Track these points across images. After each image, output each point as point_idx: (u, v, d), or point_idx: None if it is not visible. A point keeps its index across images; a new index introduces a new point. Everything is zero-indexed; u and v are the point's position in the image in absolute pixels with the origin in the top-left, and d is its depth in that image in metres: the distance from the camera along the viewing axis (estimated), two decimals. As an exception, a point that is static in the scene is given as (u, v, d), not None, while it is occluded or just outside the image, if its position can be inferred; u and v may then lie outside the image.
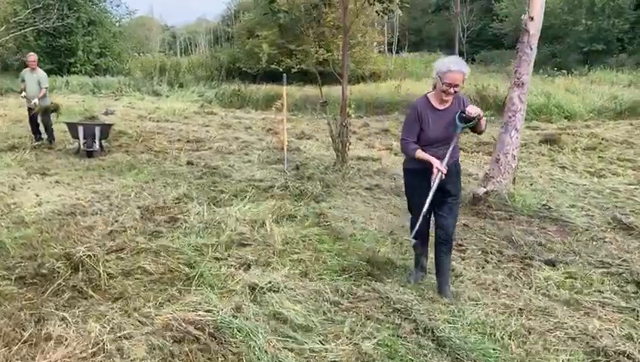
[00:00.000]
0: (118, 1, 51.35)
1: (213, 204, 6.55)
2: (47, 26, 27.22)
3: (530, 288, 4.37)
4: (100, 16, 34.76)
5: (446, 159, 3.99)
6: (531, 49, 6.65)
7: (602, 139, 12.03)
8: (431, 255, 4.46)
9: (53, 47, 30.88)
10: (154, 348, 3.33)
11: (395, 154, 10.83)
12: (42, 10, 27.44)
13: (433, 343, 3.49)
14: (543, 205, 6.52)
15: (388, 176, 8.60)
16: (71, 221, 5.83)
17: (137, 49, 43.59)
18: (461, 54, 37.61)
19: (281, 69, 26.38)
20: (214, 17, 66.57)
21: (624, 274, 4.61)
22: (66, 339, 3.38)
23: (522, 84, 6.65)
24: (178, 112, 17.87)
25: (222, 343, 3.40)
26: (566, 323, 3.74)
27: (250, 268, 4.64)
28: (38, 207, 6.39)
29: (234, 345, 3.37)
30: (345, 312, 3.87)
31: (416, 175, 4.16)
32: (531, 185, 7.85)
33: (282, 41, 28.51)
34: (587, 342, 3.51)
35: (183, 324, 3.56)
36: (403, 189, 7.47)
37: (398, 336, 3.55)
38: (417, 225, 4.08)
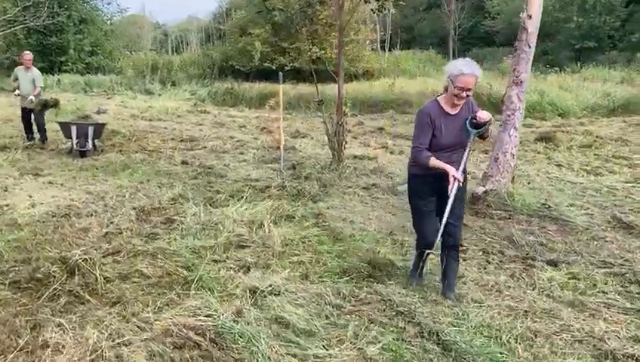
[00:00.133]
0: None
1: (210, 205, 6.47)
2: (38, 24, 26.95)
3: (533, 289, 4.33)
4: (91, 14, 34.51)
5: (461, 166, 3.90)
6: (530, 47, 6.60)
7: (597, 136, 12.04)
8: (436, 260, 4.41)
9: (44, 46, 30.60)
10: (154, 355, 3.25)
11: (391, 152, 10.80)
12: (32, 7, 27.14)
13: (438, 347, 3.43)
14: (543, 204, 6.48)
15: (384, 175, 8.55)
16: (65, 223, 5.72)
17: (129, 47, 43.35)
18: (453, 52, 37.71)
19: (274, 67, 26.35)
20: (206, 15, 66.32)
21: (627, 275, 4.58)
22: (64, 346, 3.29)
23: (521, 82, 6.61)
24: (171, 111, 17.75)
25: (223, 349, 3.33)
26: (572, 326, 3.69)
27: (249, 270, 4.56)
28: (31, 209, 6.27)
29: (236, 351, 3.29)
30: (348, 316, 3.81)
31: (425, 181, 4.01)
32: (529, 183, 7.82)
33: (275, 39, 28.39)
34: (594, 345, 3.47)
35: (184, 330, 3.48)
36: (399, 188, 7.59)
37: (402, 340, 3.49)
38: (435, 235, 4.00)
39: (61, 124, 10.29)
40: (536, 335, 3.56)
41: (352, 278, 4.43)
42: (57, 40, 30.99)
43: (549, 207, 6.41)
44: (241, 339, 3.40)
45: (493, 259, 4.96)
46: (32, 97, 10.47)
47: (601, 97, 17.52)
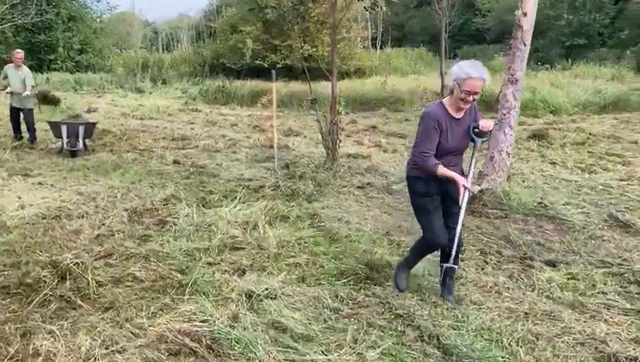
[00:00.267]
0: (98, -3, 50.68)
1: (203, 206, 6.38)
2: (26, 21, 26.65)
3: (532, 290, 4.27)
4: (80, 11, 34.22)
5: (470, 175, 3.81)
6: (525, 45, 6.55)
7: (590, 133, 12.05)
8: (432, 258, 4.35)
9: (32, 44, 30.30)
10: (149, 362, 3.18)
11: (385, 151, 10.74)
12: (20, 5, 26.82)
13: (439, 351, 3.38)
14: (539, 203, 6.44)
15: (379, 173, 8.48)
16: (56, 225, 5.61)
17: (119, 45, 43.04)
18: (445, 50, 37.67)
19: (266, 65, 26.16)
20: (196, 13, 65.96)
21: (626, 275, 4.54)
22: (55, 355, 3.20)
23: (516, 80, 6.56)
24: (162, 109, 17.59)
25: (220, 356, 3.26)
26: (573, 328, 3.65)
27: (244, 273, 4.48)
28: (20, 211, 6.16)
29: (233, 358, 3.23)
30: (346, 319, 3.74)
31: (428, 183, 3.85)
32: (524, 181, 7.80)
33: (266, 37, 28.27)
34: (596, 348, 3.42)
35: (179, 336, 3.40)
36: (394, 187, 7.54)
37: (402, 344, 3.43)
38: (445, 234, 3.89)
39: (51, 123, 10.15)
40: (537, 338, 3.51)
41: (350, 280, 4.37)
42: (46, 38, 30.70)
43: (545, 205, 6.37)
44: (237, 345, 3.33)
45: (491, 260, 4.90)
46: (27, 92, 10.31)
47: (592, 94, 17.55)
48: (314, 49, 23.52)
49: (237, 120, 15.74)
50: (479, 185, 6.56)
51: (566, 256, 5.00)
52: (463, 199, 3.72)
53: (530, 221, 5.97)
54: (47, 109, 12.65)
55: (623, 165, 8.98)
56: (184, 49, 44.91)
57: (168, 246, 5.01)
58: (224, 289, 4.14)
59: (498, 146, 6.61)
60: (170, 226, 5.61)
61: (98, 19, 37.90)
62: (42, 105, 10.59)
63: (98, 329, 3.53)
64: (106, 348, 3.31)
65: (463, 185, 3.66)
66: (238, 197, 6.59)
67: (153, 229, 5.55)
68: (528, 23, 6.54)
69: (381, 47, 39.45)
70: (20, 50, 10.86)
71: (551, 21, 32.76)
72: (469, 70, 3.57)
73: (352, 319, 3.74)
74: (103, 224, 5.68)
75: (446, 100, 3.81)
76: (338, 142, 8.90)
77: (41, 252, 4.70)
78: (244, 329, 3.53)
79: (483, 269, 4.72)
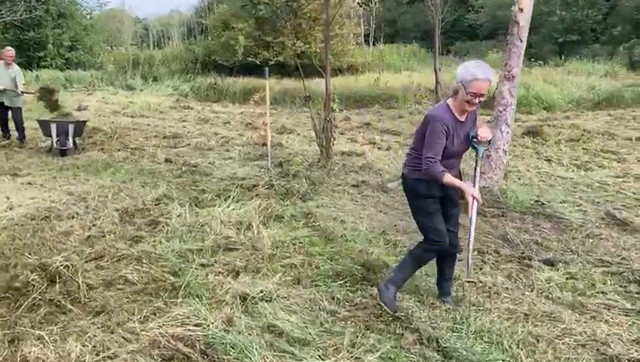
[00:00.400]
0: (88, -7, 50.23)
1: (196, 205, 6.27)
2: (15, 18, 26.34)
3: (532, 290, 4.21)
4: (70, 8, 33.88)
5: (477, 184, 3.70)
6: (521, 41, 6.49)
7: (584, 130, 12.03)
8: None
9: (21, 41, 29.93)
10: (141, 369, 3.09)
11: (379, 148, 10.66)
12: (9, 2, 26.51)
13: (439, 354, 3.31)
14: (536, 201, 6.39)
15: (373, 171, 8.40)
16: (45, 226, 5.50)
17: (109, 42, 42.68)
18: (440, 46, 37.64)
19: (258, 62, 26.01)
20: (187, 9, 65.54)
21: (625, 274, 4.49)
22: (44, 362, 3.11)
23: (512, 77, 6.50)
24: (153, 107, 17.42)
25: (214, 361, 3.17)
26: (574, 329, 3.59)
27: (238, 275, 4.39)
28: (9, 211, 6.03)
29: (228, 363, 3.14)
30: (343, 322, 3.66)
31: (429, 185, 3.69)
32: (519, 179, 7.74)
33: (259, 33, 28.09)
34: (598, 349, 3.37)
35: (172, 341, 3.30)
36: (389, 185, 7.46)
37: (401, 348, 3.36)
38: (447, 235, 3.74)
39: (40, 121, 9.99)
40: (538, 340, 3.45)
41: (346, 282, 4.29)
42: (35, 35, 30.37)
43: (542, 203, 6.32)
44: (232, 350, 3.24)
45: (488, 259, 4.84)
46: (21, 89, 10.14)
47: (585, 91, 17.57)
48: (307, 46, 23.43)
49: (229, 117, 15.61)
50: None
51: (564, 255, 4.94)
52: (473, 209, 3.60)
53: (528, 219, 5.91)
54: (37, 107, 12.44)
55: (618, 162, 8.95)
56: (175, 46, 44.61)
57: (160, 247, 4.91)
58: (218, 291, 4.06)
59: (494, 144, 6.54)
60: (163, 227, 5.51)
61: (88, 16, 37.61)
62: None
63: (89, 334, 3.44)
64: (97, 354, 3.22)
65: (472, 195, 3.53)
66: (232, 197, 6.49)
67: (145, 230, 5.45)
68: (524, 19, 6.48)
69: (374, 44, 39.35)
70: (10, 48, 10.68)
71: (544, 17, 32.75)
72: (475, 71, 3.43)
73: (349, 322, 3.67)
74: (94, 225, 5.57)
75: (450, 102, 3.64)
76: (332, 139, 8.82)
77: (30, 254, 4.60)
78: (239, 333, 3.45)
79: (481, 269, 4.66)
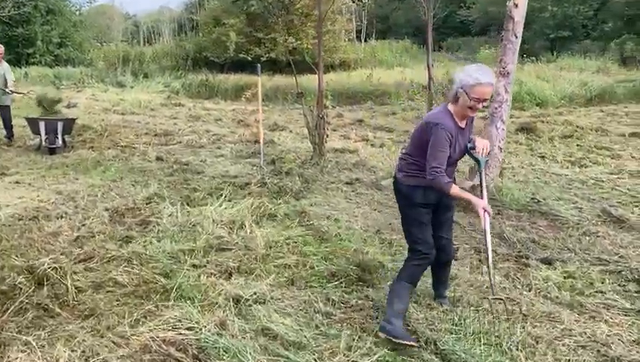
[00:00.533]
0: (77, -11, 49.74)
1: (187, 204, 6.17)
2: (3, 14, 26.02)
3: (529, 290, 4.15)
4: (59, 4, 33.46)
5: (485, 195, 3.52)
6: (516, 37, 6.43)
7: (577, 126, 11.98)
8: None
9: (9, 37, 29.53)
10: (131, 375, 3.00)
11: (372, 145, 10.58)
12: (-4, -2, 26.24)
13: (437, 357, 3.24)
14: (531, 198, 6.33)
15: (367, 168, 8.32)
16: (33, 226, 5.38)
17: (99, 39, 42.28)
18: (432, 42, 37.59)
19: (249, 58, 25.90)
20: (178, 5, 65.18)
21: (623, 272, 4.43)
22: (31, 368, 3.01)
23: (508, 73, 6.44)
24: (144, 104, 17.25)
25: (207, 366, 3.09)
26: (573, 330, 3.53)
27: (231, 276, 4.31)
28: (-4, 212, 5.91)
29: (221, 369, 3.05)
30: (339, 324, 3.59)
31: (425, 193, 3.50)
32: (514, 176, 7.69)
33: (250, 30, 27.90)
34: (598, 351, 3.31)
35: (163, 346, 3.22)
36: (383, 183, 7.38)
37: (398, 351, 3.28)
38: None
39: (28, 119, 9.84)
40: (537, 342, 3.39)
41: (341, 282, 4.22)
42: (24, 31, 29.99)
43: (538, 201, 6.26)
44: (226, 354, 3.16)
45: (485, 258, 4.76)
46: (10, 89, 9.97)
47: (578, 87, 17.54)
48: (298, 42, 23.32)
49: (221, 114, 15.47)
50: (471, 180, 6.42)
51: (561, 253, 4.89)
52: (486, 223, 3.41)
53: (524, 217, 5.86)
54: (26, 105, 12.28)
55: (613, 158, 8.92)
56: (166, 42, 44.27)
57: (151, 247, 4.81)
58: (210, 293, 3.96)
59: (490, 141, 6.46)
60: (154, 226, 5.42)
61: (77, 12, 37.15)
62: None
63: (77, 339, 3.34)
64: (86, 360, 3.14)
65: (483, 208, 3.36)
66: (224, 195, 6.39)
67: (135, 230, 5.35)
68: (519, 15, 6.41)
69: (366, 40, 39.25)
70: (0, 45, 10.50)
71: (536, 13, 32.74)
72: (478, 75, 3.25)
73: (345, 324, 3.60)
74: (83, 225, 5.46)
75: (451, 108, 3.44)
76: (325, 136, 8.73)
77: (17, 256, 4.47)
78: (233, 336, 3.37)
79: (478, 268, 4.60)
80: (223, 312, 3.66)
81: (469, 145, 3.58)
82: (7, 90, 9.91)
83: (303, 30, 24.61)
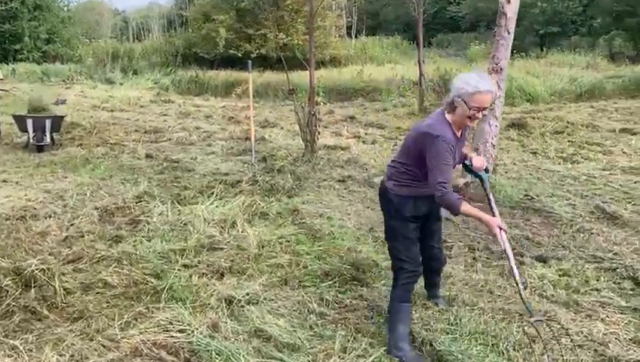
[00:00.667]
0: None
1: (178, 203, 6.09)
2: (-11, 10, 25.73)
3: (525, 288, 4.09)
4: (47, 0, 33.13)
5: (496, 212, 3.33)
6: (509, 33, 6.39)
7: (568, 122, 11.97)
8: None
9: (-4, 33, 29.33)
10: (122, 380, 2.93)
11: (364, 142, 10.53)
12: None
13: (433, 358, 3.20)
14: (525, 195, 6.30)
15: (359, 166, 8.27)
16: (21, 226, 5.29)
17: (88, 35, 41.85)
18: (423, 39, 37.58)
19: (239, 54, 25.74)
20: (167, 1, 64.60)
21: (618, 270, 4.40)
22: (18, 374, 2.94)
23: (500, 69, 6.40)
24: (133, 101, 17.12)
25: (200, 370, 3.02)
26: (570, 329, 3.49)
27: (223, 276, 4.25)
28: (-18, 211, 5.81)
29: (214, 372, 2.99)
30: (333, 325, 3.54)
31: (416, 204, 3.33)
32: (506, 173, 7.66)
33: (240, 26, 27.74)
34: (595, 350, 3.28)
35: (154, 349, 3.16)
36: (375, 180, 7.32)
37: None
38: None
39: (16, 116, 9.72)
40: (534, 341, 3.33)
41: (335, 282, 4.16)
42: (11, 27, 29.67)
43: (531, 197, 6.24)
44: (218, 357, 3.10)
45: (480, 256, 4.74)
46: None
47: (568, 82, 17.57)
48: (289, 38, 23.20)
49: (211, 111, 15.36)
50: (464, 177, 6.38)
51: (556, 250, 4.86)
52: (504, 242, 3.14)
53: (517, 214, 5.83)
54: (13, 102, 12.13)
55: (604, 154, 8.91)
56: (155, 38, 43.99)
57: (141, 247, 4.74)
58: (202, 294, 3.90)
59: (483, 137, 6.45)
60: (144, 226, 5.35)
61: (65, 8, 36.87)
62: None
63: (66, 342, 3.27)
64: (75, 365, 3.06)
65: (499, 227, 3.11)
66: (215, 193, 6.32)
67: (125, 229, 5.28)
68: (512, 11, 6.38)
69: (356, 36, 39.17)
70: None
71: (525, 9, 32.79)
72: (478, 84, 3.04)
73: (340, 325, 3.54)
74: (72, 224, 5.38)
75: (449, 118, 3.21)
76: (317, 133, 8.66)
77: (3, 257, 4.36)
78: (225, 338, 3.31)
79: (472, 266, 4.56)
80: (215, 314, 3.60)
81: (466, 162, 3.48)
82: None
83: (294, 26, 24.51)
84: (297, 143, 9.44)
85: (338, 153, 9.12)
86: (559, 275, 4.33)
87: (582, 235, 5.22)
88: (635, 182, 7.02)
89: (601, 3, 30.07)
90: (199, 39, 29.72)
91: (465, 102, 3.07)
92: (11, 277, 3.93)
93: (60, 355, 3.13)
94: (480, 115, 3.13)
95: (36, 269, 4.01)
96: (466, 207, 3.09)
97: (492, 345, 3.30)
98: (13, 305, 3.66)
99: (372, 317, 3.65)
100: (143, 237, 5.04)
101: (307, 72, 8.84)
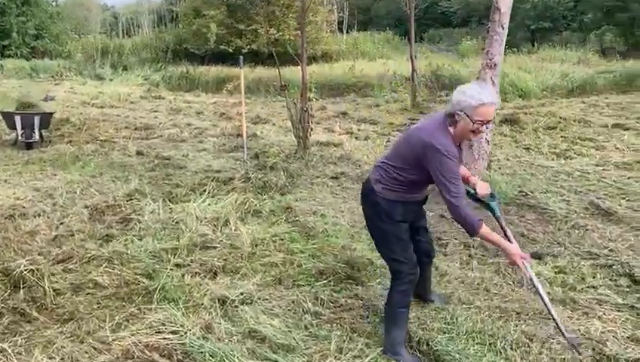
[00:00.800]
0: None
1: (169, 201, 6.01)
2: (-24, 6, 25.41)
3: (521, 286, 4.08)
4: (35, -5, 32.77)
5: (513, 240, 3.19)
6: (503, 28, 6.36)
7: (560, 117, 11.96)
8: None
9: (-16, 29, 28.97)
10: (113, 384, 2.87)
11: (356, 138, 10.47)
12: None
13: (430, 358, 3.16)
14: (519, 191, 6.27)
15: (352, 162, 8.20)
16: (9, 225, 5.20)
17: (77, 30, 41.50)
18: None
19: (230, 50, 25.60)
20: (157, -4, 64.22)
21: (614, 266, 4.38)
22: (7, 378, 2.87)
23: (495, 65, 6.36)
24: (123, 97, 16.98)
25: (193, 372, 2.97)
26: (567, 327, 3.45)
27: (216, 276, 4.18)
28: (-30, 210, 5.70)
29: (207, 375, 2.93)
30: (328, 325, 3.49)
31: (407, 208, 3.21)
32: (500, 169, 7.62)
33: (231, 21, 27.59)
34: (593, 348, 3.24)
35: (147, 351, 3.10)
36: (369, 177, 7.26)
37: (390, 353, 3.19)
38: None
39: (4, 113, 9.59)
40: (531, 340, 3.31)
41: (330, 281, 4.11)
42: (-2, 23, 29.36)
43: (526, 194, 6.21)
44: (212, 359, 3.05)
45: (475, 254, 4.70)
46: None
47: (559, 78, 17.58)
48: (280, 33, 23.11)
49: (202, 107, 15.24)
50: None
51: (551, 247, 4.83)
52: (528, 272, 3.04)
53: (512, 211, 5.79)
54: (0, 99, 11.98)
55: (597, 150, 8.90)
56: (145, 34, 43.71)
57: (133, 246, 4.67)
58: (195, 294, 3.84)
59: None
60: (135, 224, 5.27)
61: (54, 3, 36.45)
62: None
63: (56, 345, 3.21)
64: (65, 368, 2.99)
65: (521, 257, 3.00)
66: (207, 191, 6.25)
67: (116, 228, 5.21)
68: (506, 5, 6.34)
69: (347, 31, 39.08)
70: None
71: (516, 4, 32.84)
72: (481, 96, 2.85)
73: (335, 324, 3.50)
74: (62, 223, 5.30)
75: (451, 130, 2.99)
76: (309, 130, 8.59)
77: (-9, 257, 4.30)
78: (219, 340, 3.26)
79: (468, 264, 4.52)
80: (209, 314, 3.54)
81: (470, 190, 3.37)
82: None
83: (285, 21, 24.41)
84: (290, 140, 9.37)
85: (331, 149, 9.06)
86: (555, 272, 4.30)
87: (577, 232, 5.19)
88: (629, 178, 7.00)
89: (592, -2, 30.15)
90: (190, 35, 29.56)
91: (468, 115, 2.88)
92: (0, 278, 3.86)
93: (50, 358, 3.07)
94: (484, 127, 2.96)
95: (25, 270, 3.95)
96: (485, 230, 2.94)
97: (489, 344, 3.26)
98: (2, 307, 3.60)
99: (368, 317, 3.60)
100: (134, 236, 4.96)
101: (299, 67, 8.77)
